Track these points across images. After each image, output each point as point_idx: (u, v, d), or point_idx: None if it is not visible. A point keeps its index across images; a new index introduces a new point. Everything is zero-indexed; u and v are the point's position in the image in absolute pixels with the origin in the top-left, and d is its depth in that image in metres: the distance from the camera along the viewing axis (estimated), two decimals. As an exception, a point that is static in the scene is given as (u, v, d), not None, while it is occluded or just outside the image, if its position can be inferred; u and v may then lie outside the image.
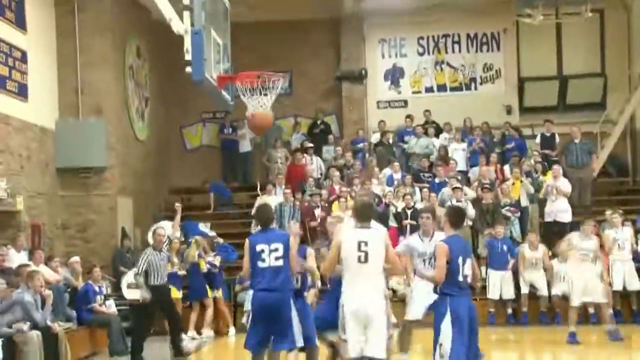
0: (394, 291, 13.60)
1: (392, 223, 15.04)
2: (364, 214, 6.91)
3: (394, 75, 19.93)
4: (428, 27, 19.57)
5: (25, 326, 9.10)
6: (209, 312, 14.00)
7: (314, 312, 8.16)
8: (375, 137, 18.64)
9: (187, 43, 9.16)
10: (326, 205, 15.92)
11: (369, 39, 19.84)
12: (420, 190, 16.05)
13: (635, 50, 18.91)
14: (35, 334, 9.23)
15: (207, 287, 14.05)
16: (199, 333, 13.94)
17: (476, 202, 15.46)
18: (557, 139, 17.38)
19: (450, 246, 6.89)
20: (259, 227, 7.89)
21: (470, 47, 19.71)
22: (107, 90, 15.83)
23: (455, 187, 15.29)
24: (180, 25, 8.87)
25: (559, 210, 15.38)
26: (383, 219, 13.77)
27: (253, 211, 12.64)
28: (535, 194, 15.81)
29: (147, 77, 18.21)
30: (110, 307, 12.62)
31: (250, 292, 14.41)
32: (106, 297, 12.64)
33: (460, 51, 19.72)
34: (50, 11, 15.18)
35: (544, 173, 16.29)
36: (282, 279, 7.38)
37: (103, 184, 15.64)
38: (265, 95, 11.70)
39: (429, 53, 19.81)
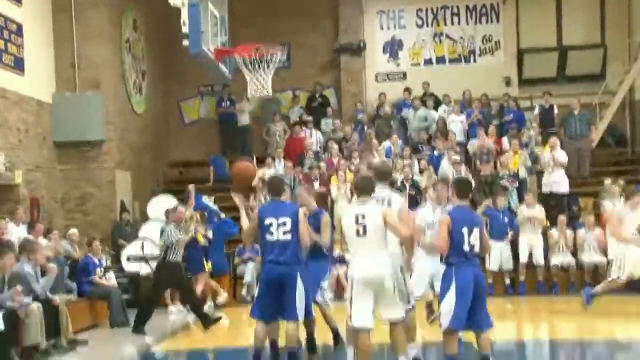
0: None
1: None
2: (363, 188, 6.98)
3: (393, 48, 19.83)
4: (427, -1, 19.49)
5: (26, 298, 9.12)
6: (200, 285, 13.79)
7: None
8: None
9: (184, 16, 9.13)
10: (325, 178, 15.95)
11: (368, 11, 19.72)
12: (419, 162, 16.06)
13: (635, 20, 18.80)
14: (36, 306, 9.26)
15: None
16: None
17: (475, 173, 15.48)
18: (556, 110, 17.35)
19: (454, 217, 6.94)
20: (270, 198, 7.82)
21: (469, 19, 19.58)
22: (104, 63, 15.79)
23: (455, 162, 15.29)
24: (176, -2, 8.81)
25: (556, 181, 15.41)
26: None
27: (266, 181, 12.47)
28: (534, 165, 15.83)
29: (144, 51, 18.13)
30: (110, 280, 12.68)
31: (250, 264, 14.66)
32: (106, 270, 12.68)
33: (459, 23, 19.60)
34: (45, -16, 15.10)
35: (543, 144, 16.29)
36: (290, 253, 7.38)
37: (101, 157, 15.66)
38: (265, 67, 11.72)
39: (427, 25, 19.69)
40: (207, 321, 11.11)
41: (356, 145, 17.11)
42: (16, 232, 11.69)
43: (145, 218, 15.62)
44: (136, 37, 17.65)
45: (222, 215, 15.06)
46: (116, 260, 14.28)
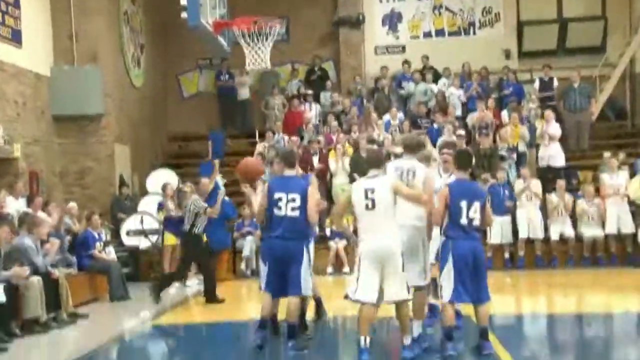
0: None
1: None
2: (372, 162, 7.03)
3: (392, 20, 19.70)
4: (426, -30, 19.32)
5: (27, 271, 9.15)
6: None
7: None
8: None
9: (183, -13, 9.03)
10: (324, 152, 15.93)
11: (367, -17, 19.58)
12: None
13: (636, -8, 18.68)
14: (36, 279, 9.29)
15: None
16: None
17: (474, 147, 15.44)
18: (556, 83, 17.28)
19: (452, 190, 6.93)
20: (282, 168, 7.73)
21: (469, -9, 19.45)
22: (102, 36, 15.69)
23: (459, 135, 15.24)
24: (174, -31, 8.73)
25: (552, 155, 15.42)
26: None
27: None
28: (534, 139, 15.79)
29: (142, 23, 18.01)
30: (110, 254, 12.71)
31: (248, 238, 14.69)
32: (106, 244, 12.71)
33: (459, -5, 19.48)
34: (42, -45, 14.95)
35: (542, 118, 16.23)
36: (298, 229, 7.38)
37: (100, 131, 15.61)
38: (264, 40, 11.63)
39: (427, -3, 19.57)
40: (212, 297, 11.17)
41: (355, 118, 17.07)
42: (15, 206, 11.69)
43: (144, 192, 15.62)
44: (134, 10, 17.52)
45: (227, 198, 15.05)
46: (116, 234, 14.29)
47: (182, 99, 20.05)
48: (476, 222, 6.94)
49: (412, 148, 7.33)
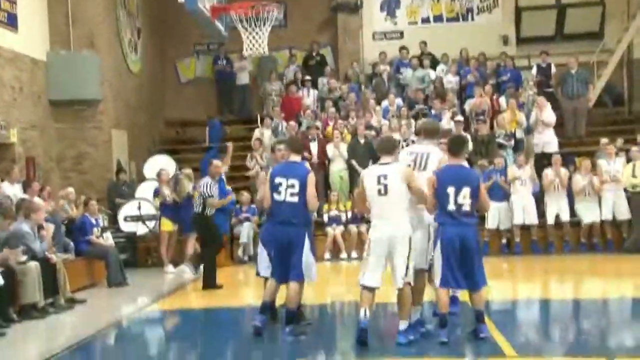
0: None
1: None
2: (383, 149, 7.10)
3: (390, 6, 19.64)
4: (425, -45, 19.23)
5: (19, 254, 9.15)
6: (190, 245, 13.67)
7: None
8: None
9: (179, -29, 8.99)
10: (322, 138, 15.90)
11: (365, -33, 19.48)
12: (416, 121, 15.98)
13: (634, -22, 18.62)
14: (34, 265, 9.29)
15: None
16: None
17: (471, 133, 15.43)
18: (553, 69, 17.24)
19: (440, 176, 6.94)
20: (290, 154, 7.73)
21: (467, -24, 19.39)
22: (99, 20, 15.61)
23: (458, 122, 15.22)
24: (171, -48, 8.68)
25: (546, 141, 15.41)
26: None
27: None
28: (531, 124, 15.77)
29: (139, 7, 17.92)
30: (108, 240, 12.70)
31: (246, 224, 14.68)
32: (103, 230, 12.70)
33: (457, -20, 19.41)
34: (38, -61, 14.85)
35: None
36: (297, 215, 7.42)
37: (97, 116, 15.56)
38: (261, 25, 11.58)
39: (425, -18, 19.50)
40: (210, 283, 11.15)
41: (353, 104, 17.03)
42: (11, 191, 11.65)
43: (141, 178, 15.60)
44: (130, -7, 17.45)
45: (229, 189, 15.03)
46: (113, 220, 14.28)
47: (179, 84, 19.99)
48: (466, 208, 6.92)
49: (431, 133, 7.44)
